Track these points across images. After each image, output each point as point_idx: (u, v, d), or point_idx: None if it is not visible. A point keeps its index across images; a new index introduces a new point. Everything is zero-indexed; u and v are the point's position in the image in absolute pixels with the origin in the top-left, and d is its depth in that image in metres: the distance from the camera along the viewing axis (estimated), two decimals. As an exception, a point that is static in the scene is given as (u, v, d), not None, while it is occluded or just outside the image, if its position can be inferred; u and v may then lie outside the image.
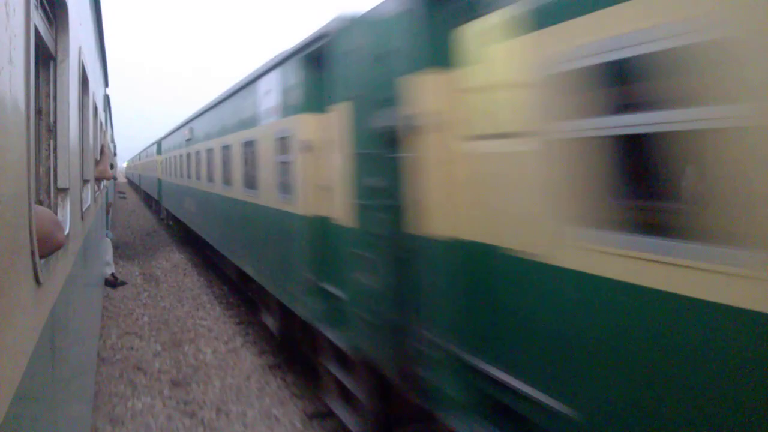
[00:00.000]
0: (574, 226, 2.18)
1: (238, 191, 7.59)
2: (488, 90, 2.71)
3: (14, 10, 1.21)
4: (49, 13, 2.30)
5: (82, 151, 3.52)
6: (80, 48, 3.24)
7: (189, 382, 6.20)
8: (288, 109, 5.39)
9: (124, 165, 68.87)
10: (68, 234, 2.33)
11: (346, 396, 4.55)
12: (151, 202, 32.09)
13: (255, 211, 6.67)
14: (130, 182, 52.67)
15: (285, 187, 5.51)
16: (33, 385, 1.37)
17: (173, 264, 13.91)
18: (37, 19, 1.88)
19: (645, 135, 1.91)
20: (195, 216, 12.38)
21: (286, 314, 6.12)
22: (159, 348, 7.40)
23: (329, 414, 5.02)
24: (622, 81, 1.99)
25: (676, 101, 1.80)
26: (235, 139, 7.72)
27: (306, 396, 5.81)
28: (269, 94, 6.06)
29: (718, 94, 1.70)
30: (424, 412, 3.22)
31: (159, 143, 22.33)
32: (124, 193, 39.94)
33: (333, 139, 4.48)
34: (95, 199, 5.43)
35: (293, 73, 5.21)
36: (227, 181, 8.34)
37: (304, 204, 5.00)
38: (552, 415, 2.31)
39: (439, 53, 3.02)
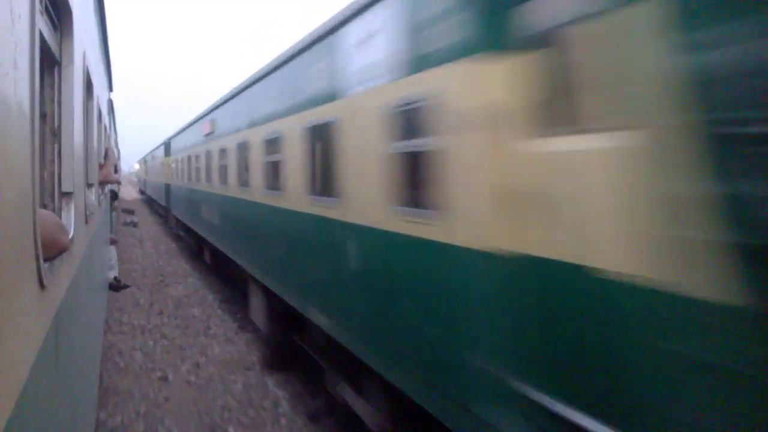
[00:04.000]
0: None
1: (296, 200, 5.20)
2: None
3: (19, 15, 1.22)
4: (54, 18, 2.32)
5: (86, 155, 3.53)
6: (84, 53, 3.26)
7: None
8: (425, 58, 3.12)
9: (135, 167, 57.02)
10: (72, 238, 2.34)
11: None
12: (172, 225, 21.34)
13: (334, 230, 4.39)
14: (147, 196, 35.18)
15: (413, 197, 3.33)
16: (37, 389, 1.38)
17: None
18: (42, 25, 1.89)
19: None
20: (217, 229, 9.65)
21: (395, 401, 3.90)
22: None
23: None
24: None
25: None
26: (292, 126, 5.33)
27: None
28: (371, 43, 3.81)
29: None
30: None
31: (167, 144, 19.21)
32: (133, 213, 26.00)
33: (559, 97, 2.27)
34: (99, 203, 5.45)
35: None
36: (274, 185, 5.96)
37: (472, 229, 2.73)
38: None
39: None
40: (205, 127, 10.85)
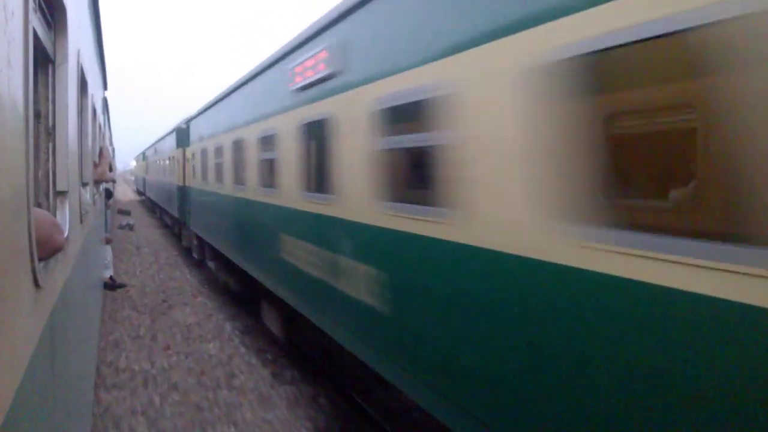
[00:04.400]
0: None
1: None
2: None
3: (13, 13, 1.22)
4: (48, 16, 2.31)
5: (80, 153, 3.52)
6: (79, 51, 3.24)
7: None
8: None
9: (132, 164, 50.88)
10: (67, 237, 2.33)
11: None
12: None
13: None
14: (147, 198, 29.69)
15: None
16: (32, 388, 1.37)
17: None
18: (36, 22, 1.88)
19: None
20: (351, 307, 4.22)
21: None
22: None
23: None
24: None
25: None
26: None
27: None
28: None
29: None
30: None
31: (182, 129, 13.90)
32: (129, 214, 24.28)
33: None
34: (94, 202, 5.43)
35: None
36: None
37: None
38: None
39: None
40: (302, 71, 5.09)
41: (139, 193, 38.21)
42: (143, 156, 31.03)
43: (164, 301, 9.88)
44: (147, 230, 20.59)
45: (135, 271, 12.51)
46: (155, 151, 22.82)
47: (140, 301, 9.80)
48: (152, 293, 10.43)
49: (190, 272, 12.58)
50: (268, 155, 6.26)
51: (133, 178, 52.42)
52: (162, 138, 19.99)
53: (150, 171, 26.07)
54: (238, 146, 7.73)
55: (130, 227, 20.35)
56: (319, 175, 4.87)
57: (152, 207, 27.69)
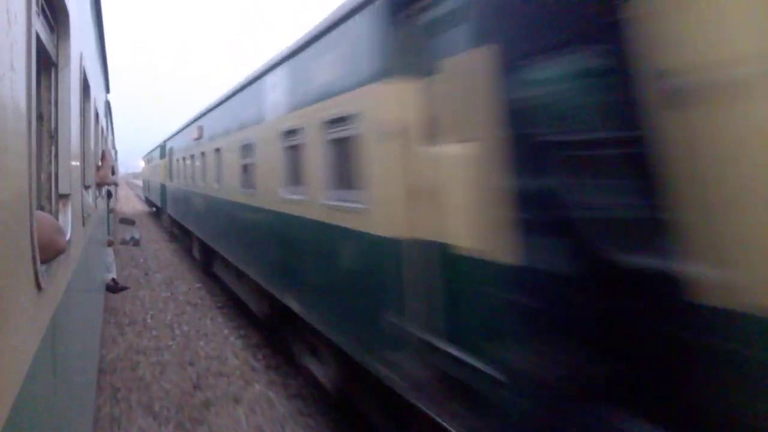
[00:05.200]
0: None
1: None
2: None
3: (16, 16, 1.22)
4: (51, 19, 2.31)
5: (83, 156, 3.53)
6: (81, 54, 3.25)
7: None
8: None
9: (141, 164, 36.48)
10: (69, 239, 2.33)
11: None
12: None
13: None
14: (167, 215, 18.46)
15: None
16: (34, 392, 1.37)
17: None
18: (39, 26, 1.88)
19: None
20: None
21: None
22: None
23: None
24: None
25: None
26: None
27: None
28: None
29: None
30: None
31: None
32: (133, 223, 21.01)
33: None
34: (96, 205, 5.44)
35: None
36: None
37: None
38: None
39: None
40: None
41: (149, 203, 29.10)
42: (161, 152, 19.39)
43: (196, 387, 5.84)
44: (155, 246, 16.08)
45: (145, 318, 8.36)
46: (199, 134, 10.87)
47: (157, 387, 5.88)
48: (174, 366, 6.41)
49: (226, 322, 8.05)
50: None
51: (140, 183, 41.34)
52: (247, 84, 7.14)
53: (176, 174, 14.78)
54: None
55: (136, 242, 16.28)
56: None
57: (173, 226, 17.66)
